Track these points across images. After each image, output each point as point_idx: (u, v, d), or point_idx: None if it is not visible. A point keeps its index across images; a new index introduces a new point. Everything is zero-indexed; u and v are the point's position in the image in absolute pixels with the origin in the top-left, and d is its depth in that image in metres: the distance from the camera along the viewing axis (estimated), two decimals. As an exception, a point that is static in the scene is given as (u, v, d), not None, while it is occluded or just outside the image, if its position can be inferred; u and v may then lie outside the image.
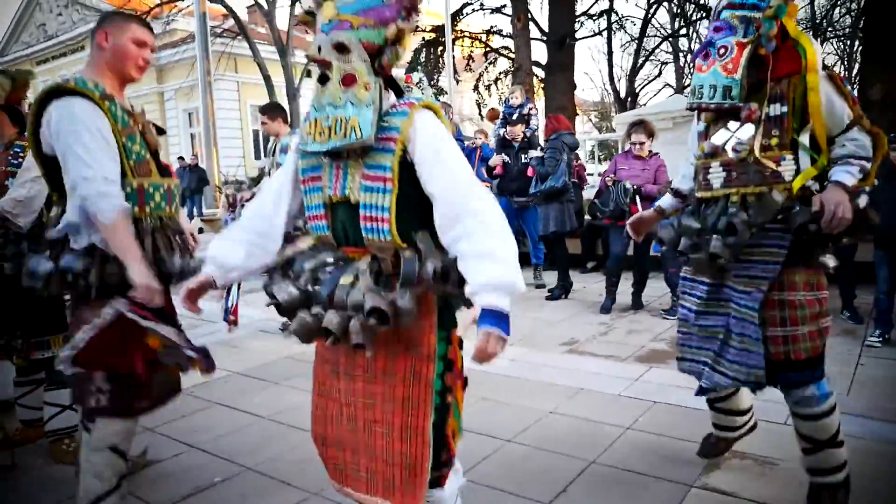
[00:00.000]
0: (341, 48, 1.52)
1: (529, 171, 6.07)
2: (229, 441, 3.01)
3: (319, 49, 1.54)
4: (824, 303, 2.12)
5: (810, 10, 19.27)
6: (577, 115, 17.86)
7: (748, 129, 2.08)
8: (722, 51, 2.05)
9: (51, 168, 2.09)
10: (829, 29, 20.85)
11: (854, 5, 19.24)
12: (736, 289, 2.15)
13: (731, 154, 2.12)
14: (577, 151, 7.62)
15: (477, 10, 14.50)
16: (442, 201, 1.54)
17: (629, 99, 22.20)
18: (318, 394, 1.78)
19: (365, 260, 1.60)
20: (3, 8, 30.81)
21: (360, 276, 1.56)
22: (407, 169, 1.55)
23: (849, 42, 22.28)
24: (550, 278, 6.36)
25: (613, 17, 13.30)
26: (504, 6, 13.24)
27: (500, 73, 17.44)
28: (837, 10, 19.86)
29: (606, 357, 4.20)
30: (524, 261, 7.32)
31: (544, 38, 12.16)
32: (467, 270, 1.50)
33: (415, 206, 1.57)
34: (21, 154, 2.68)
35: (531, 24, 12.42)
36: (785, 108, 2.03)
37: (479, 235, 1.50)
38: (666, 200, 2.56)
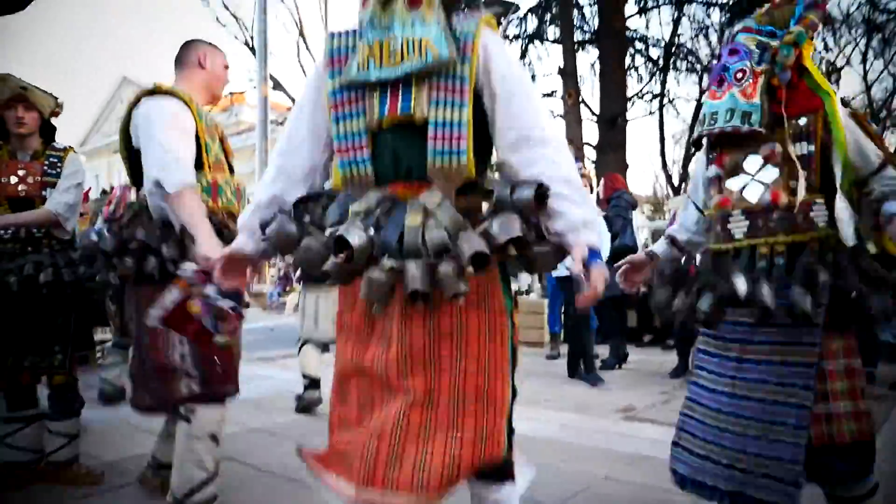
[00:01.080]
0: None
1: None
2: (238, 497, 2.72)
3: None
4: (863, 376, 1.77)
5: (867, 98, 18.99)
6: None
7: (771, 172, 1.80)
8: (739, 75, 1.83)
9: (135, 161, 2.23)
10: (888, 119, 20.46)
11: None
12: (772, 361, 1.77)
13: (754, 200, 1.83)
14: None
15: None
16: (513, 121, 1.39)
17: (683, 184, 21.97)
18: (353, 373, 1.44)
19: (428, 193, 1.35)
20: (88, 103, 33.48)
21: (431, 213, 1.32)
22: (476, 86, 1.38)
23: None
24: (603, 351, 5.98)
25: (665, 100, 13.35)
26: (554, 91, 13.47)
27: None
28: (896, 99, 19.50)
29: (669, 425, 3.75)
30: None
31: (595, 118, 12.23)
32: (553, 212, 1.36)
33: (481, 130, 1.40)
34: (59, 164, 2.73)
35: (582, 106, 12.56)
36: (812, 147, 1.78)
37: (558, 166, 1.37)
38: (660, 247, 2.24)
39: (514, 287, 1.55)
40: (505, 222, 1.29)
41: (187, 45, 2.40)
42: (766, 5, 1.96)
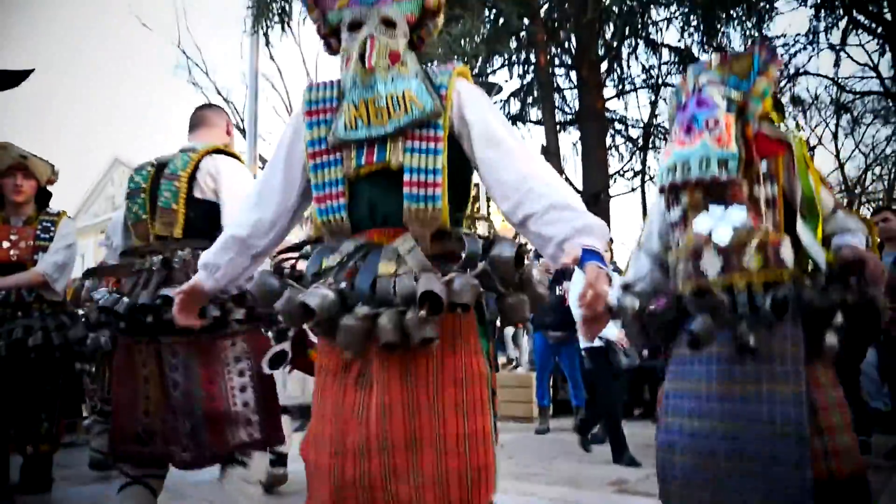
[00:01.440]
0: (388, 22, 1.44)
1: (565, 302, 5.82)
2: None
3: (357, 24, 1.45)
4: (848, 408, 1.79)
5: (841, 175, 19.61)
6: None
7: (739, 213, 1.87)
8: (711, 123, 1.87)
9: (196, 210, 2.28)
10: (863, 195, 21.07)
11: (885, 171, 19.60)
12: (760, 394, 1.74)
13: (724, 241, 1.86)
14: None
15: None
16: (499, 166, 1.41)
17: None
18: (332, 418, 1.40)
19: (401, 240, 1.37)
20: (78, 183, 33.88)
21: (402, 260, 1.33)
22: (451, 133, 1.43)
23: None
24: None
25: (646, 177, 13.67)
26: (539, 169, 13.85)
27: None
28: (869, 174, 20.18)
29: (662, 497, 3.67)
30: (564, 407, 6.88)
31: (579, 193, 12.51)
32: (550, 222, 1.36)
33: (456, 178, 1.44)
34: (52, 228, 2.78)
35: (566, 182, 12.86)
36: (775, 189, 1.88)
37: (551, 192, 1.38)
38: (614, 297, 2.20)
39: (500, 359, 1.56)
40: (466, 284, 1.30)
41: (216, 109, 2.57)
42: (714, 56, 2.04)
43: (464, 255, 1.38)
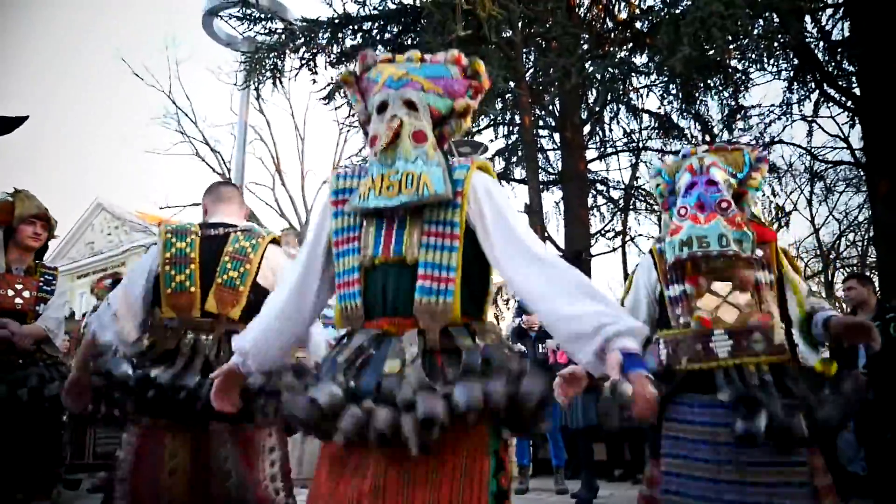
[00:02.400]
0: (411, 105, 1.50)
1: (550, 359, 5.82)
2: None
3: (384, 105, 1.52)
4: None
5: (816, 241, 20.07)
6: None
7: (743, 296, 1.95)
8: (724, 205, 1.98)
9: (257, 295, 2.25)
10: (838, 260, 21.51)
11: (858, 237, 20.08)
12: (767, 483, 1.80)
13: (730, 321, 1.94)
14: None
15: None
16: (522, 265, 1.41)
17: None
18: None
19: (409, 335, 1.38)
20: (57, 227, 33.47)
21: (406, 363, 1.33)
22: (469, 230, 1.46)
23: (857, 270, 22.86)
24: (573, 485, 5.75)
25: (627, 237, 13.92)
26: (522, 227, 14.03)
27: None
28: (843, 240, 20.66)
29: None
30: (544, 467, 6.77)
31: (561, 253, 12.66)
32: (583, 318, 1.33)
33: (472, 274, 1.46)
34: (53, 282, 2.86)
35: (548, 243, 13.02)
36: (772, 276, 1.98)
37: (580, 295, 1.36)
38: None
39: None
40: (471, 397, 1.28)
41: (234, 187, 2.70)
42: (705, 147, 2.17)
43: (462, 365, 1.36)
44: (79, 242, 30.69)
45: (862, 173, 11.68)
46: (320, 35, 9.63)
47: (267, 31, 10.05)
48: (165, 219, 20.93)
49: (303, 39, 9.51)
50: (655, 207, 14.62)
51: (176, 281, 2.19)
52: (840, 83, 9.67)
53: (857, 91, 9.15)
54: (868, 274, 12.28)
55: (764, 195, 12.93)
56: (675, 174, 2.15)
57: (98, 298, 4.79)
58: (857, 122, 9.60)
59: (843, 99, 9.73)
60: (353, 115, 1.74)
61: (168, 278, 2.20)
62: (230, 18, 10.58)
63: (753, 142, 11.02)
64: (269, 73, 9.69)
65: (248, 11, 10.05)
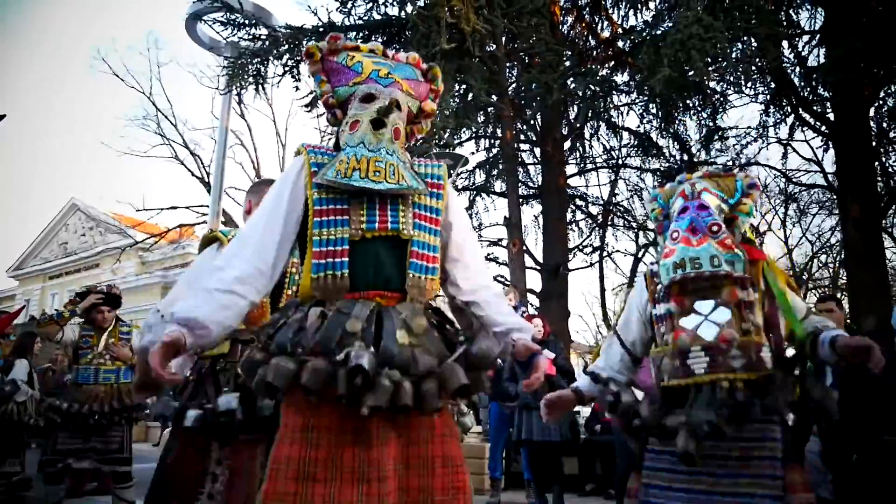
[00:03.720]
0: (397, 105, 1.62)
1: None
2: None
3: (371, 97, 1.61)
4: None
5: (789, 261, 20.40)
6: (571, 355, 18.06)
7: (724, 313, 2.00)
8: (715, 228, 2.05)
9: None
10: (810, 281, 21.90)
11: (830, 259, 20.46)
12: (738, 494, 1.84)
13: (709, 338, 1.98)
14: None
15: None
16: (465, 266, 1.68)
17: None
18: (326, 479, 1.37)
19: (409, 307, 1.50)
20: (23, 229, 33.07)
21: (417, 334, 1.46)
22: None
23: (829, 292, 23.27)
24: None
25: (605, 253, 14.04)
26: (500, 240, 14.06)
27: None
28: (815, 262, 21.03)
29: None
30: (516, 480, 6.74)
31: (539, 268, 12.70)
32: (500, 312, 1.66)
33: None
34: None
35: (526, 256, 13.07)
36: (756, 294, 2.03)
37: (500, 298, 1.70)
38: (583, 383, 2.30)
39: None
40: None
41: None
42: (700, 171, 2.24)
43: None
44: (52, 242, 30.16)
45: (835, 196, 11.93)
46: (304, 43, 9.61)
47: (251, 36, 10.00)
48: (139, 221, 20.66)
49: (286, 46, 9.48)
50: (633, 224, 14.83)
51: None
52: (815, 108, 9.90)
53: (831, 116, 9.37)
54: (838, 295, 12.50)
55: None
56: (670, 199, 2.24)
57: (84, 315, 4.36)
58: (830, 146, 9.82)
59: (818, 124, 9.96)
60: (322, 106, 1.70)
61: None
62: (214, 23, 10.51)
63: (730, 162, 11.21)
64: (251, 79, 9.63)
65: (233, 17, 9.99)
